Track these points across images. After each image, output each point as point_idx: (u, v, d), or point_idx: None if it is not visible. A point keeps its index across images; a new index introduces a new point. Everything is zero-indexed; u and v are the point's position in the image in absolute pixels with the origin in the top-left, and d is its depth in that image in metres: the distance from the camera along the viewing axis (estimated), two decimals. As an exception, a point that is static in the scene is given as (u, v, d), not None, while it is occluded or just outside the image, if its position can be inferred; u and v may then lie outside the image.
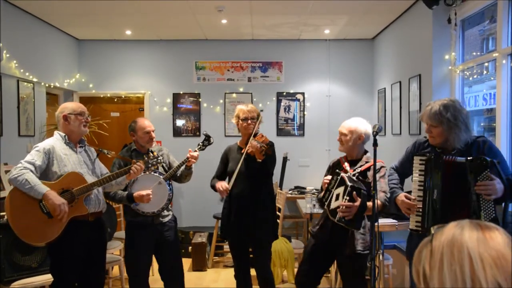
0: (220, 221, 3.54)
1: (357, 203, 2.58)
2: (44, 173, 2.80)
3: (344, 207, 2.61)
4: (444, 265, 0.85)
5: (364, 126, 2.91)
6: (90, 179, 2.89)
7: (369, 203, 2.67)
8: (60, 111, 2.96)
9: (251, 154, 3.14)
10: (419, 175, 2.47)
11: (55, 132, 2.97)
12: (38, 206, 2.72)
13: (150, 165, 3.07)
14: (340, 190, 2.71)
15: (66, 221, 2.76)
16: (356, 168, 2.87)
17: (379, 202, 2.72)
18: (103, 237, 3.10)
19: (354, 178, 2.75)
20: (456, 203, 2.36)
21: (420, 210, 2.47)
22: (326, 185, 2.86)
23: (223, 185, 3.29)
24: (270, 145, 3.10)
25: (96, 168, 3.05)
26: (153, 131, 3.37)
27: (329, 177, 2.89)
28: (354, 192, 2.60)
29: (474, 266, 0.82)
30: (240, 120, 3.34)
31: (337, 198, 2.74)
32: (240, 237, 3.33)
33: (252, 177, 3.27)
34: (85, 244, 2.90)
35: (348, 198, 2.61)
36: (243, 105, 3.44)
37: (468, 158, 2.30)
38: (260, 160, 3.09)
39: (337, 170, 2.84)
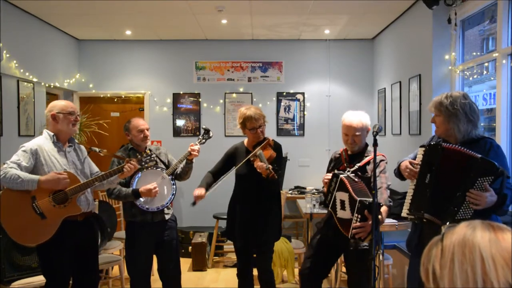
0: (224, 221, 3.53)
1: (370, 222, 2.53)
2: (32, 173, 2.70)
3: (358, 228, 2.57)
4: (455, 265, 0.84)
5: (365, 117, 2.91)
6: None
7: (383, 209, 2.67)
8: (49, 109, 2.89)
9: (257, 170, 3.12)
10: (420, 165, 2.48)
11: (44, 131, 2.91)
12: (31, 207, 2.68)
13: (143, 163, 3.04)
14: (344, 196, 2.69)
15: (60, 221, 2.72)
16: (355, 164, 2.85)
17: (385, 207, 2.72)
18: (94, 236, 3.05)
19: (355, 178, 2.74)
20: (446, 191, 2.35)
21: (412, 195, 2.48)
22: (327, 186, 2.86)
23: (201, 192, 3.23)
24: (276, 170, 3.07)
25: (85, 168, 3.00)
26: (147, 130, 3.37)
27: (329, 175, 2.88)
28: (366, 210, 2.55)
29: (486, 266, 0.81)
30: (247, 129, 3.28)
31: (342, 206, 2.71)
32: (247, 239, 3.31)
33: (259, 181, 3.23)
34: (75, 243, 2.86)
35: (360, 216, 2.57)
36: (246, 109, 3.29)
37: (480, 156, 2.27)
38: (266, 178, 3.06)
39: (336, 171, 2.83)
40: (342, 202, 2.72)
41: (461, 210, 2.26)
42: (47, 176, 2.66)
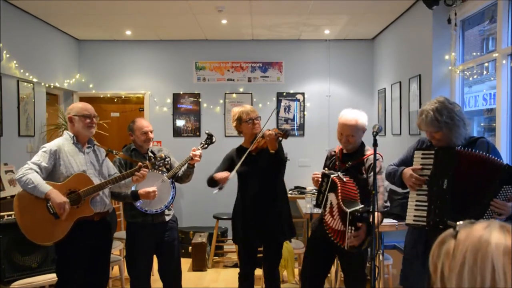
0: (223, 221, 3.49)
1: (363, 230, 2.51)
2: (51, 174, 2.82)
3: (352, 237, 2.54)
4: (465, 271, 0.83)
5: (363, 117, 2.85)
6: (96, 180, 2.91)
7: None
8: (67, 112, 3.00)
9: (263, 147, 3.06)
10: (421, 169, 2.45)
11: (65, 132, 3.01)
12: (46, 207, 2.75)
13: (157, 166, 3.05)
14: (334, 200, 2.65)
15: (73, 221, 2.79)
16: (348, 163, 2.83)
17: (379, 213, 2.69)
18: (108, 236, 3.14)
19: (345, 178, 2.70)
20: (466, 197, 2.31)
21: (421, 202, 2.44)
22: (318, 186, 2.84)
23: (222, 173, 3.18)
24: (285, 131, 3.02)
25: (103, 169, 3.06)
26: (151, 132, 3.37)
27: (318, 174, 2.86)
28: (359, 223, 2.51)
29: (495, 277, 0.81)
30: (244, 123, 3.26)
31: (331, 210, 2.68)
32: (255, 237, 3.26)
33: (265, 176, 3.20)
34: (91, 243, 2.93)
35: (353, 228, 2.53)
36: (239, 107, 3.33)
37: (506, 164, 2.24)
38: (274, 151, 3.01)
39: (326, 171, 2.80)
40: (332, 206, 2.68)
41: (484, 218, 2.22)
42: (54, 196, 2.70)
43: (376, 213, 2.42)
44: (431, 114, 2.40)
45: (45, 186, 2.70)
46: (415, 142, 2.73)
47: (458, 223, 0.92)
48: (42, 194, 2.69)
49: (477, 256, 0.83)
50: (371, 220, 2.42)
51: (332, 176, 2.70)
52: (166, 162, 3.09)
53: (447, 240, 0.89)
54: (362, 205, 2.55)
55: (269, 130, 3.05)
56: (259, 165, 3.18)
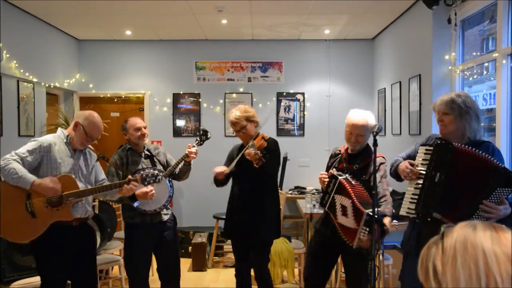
0: (223, 221, 3.51)
1: (376, 234, 2.51)
2: (35, 171, 2.70)
3: (364, 238, 2.55)
4: (458, 261, 0.86)
5: (371, 117, 2.87)
6: (80, 185, 2.80)
7: (387, 220, 2.66)
8: (78, 115, 2.90)
9: (248, 159, 3.12)
10: (422, 164, 2.44)
11: (59, 129, 2.91)
12: (24, 204, 2.66)
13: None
14: (346, 202, 2.66)
15: (49, 223, 2.69)
16: (355, 165, 2.84)
17: (388, 219, 2.70)
18: (91, 239, 3.02)
19: (353, 181, 2.72)
20: (458, 194, 2.30)
21: (415, 196, 2.44)
22: (325, 186, 2.84)
23: (220, 168, 3.29)
24: (265, 154, 3.05)
25: (91, 174, 2.96)
26: (144, 128, 3.34)
27: (326, 174, 2.86)
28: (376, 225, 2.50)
29: (488, 261, 0.83)
30: (234, 131, 3.36)
31: (344, 212, 2.67)
32: (244, 236, 3.32)
33: (254, 177, 3.25)
34: (72, 248, 2.81)
35: (368, 229, 2.53)
36: (231, 113, 3.36)
37: (503, 166, 2.23)
38: (258, 166, 3.05)
39: (334, 172, 2.81)
40: (344, 207, 2.68)
41: (473, 218, 2.20)
42: (42, 181, 2.63)
43: (387, 218, 2.44)
44: (449, 95, 2.44)
45: (30, 176, 2.60)
46: (424, 139, 2.72)
47: (442, 226, 0.95)
48: (28, 185, 2.59)
49: (467, 245, 0.86)
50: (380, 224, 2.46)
51: (340, 178, 2.70)
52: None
53: (433, 244, 0.93)
54: (378, 209, 2.56)
55: (253, 146, 3.06)
56: (249, 170, 3.20)
